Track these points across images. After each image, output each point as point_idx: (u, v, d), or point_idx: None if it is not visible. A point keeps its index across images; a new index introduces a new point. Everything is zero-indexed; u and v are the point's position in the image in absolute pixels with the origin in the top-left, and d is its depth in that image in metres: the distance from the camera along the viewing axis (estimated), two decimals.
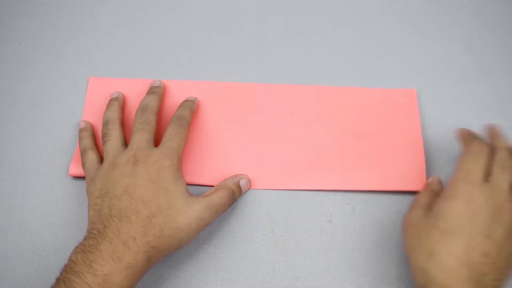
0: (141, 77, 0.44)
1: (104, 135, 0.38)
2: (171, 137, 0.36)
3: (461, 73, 0.45)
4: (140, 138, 0.36)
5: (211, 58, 0.45)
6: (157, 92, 0.41)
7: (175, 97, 0.43)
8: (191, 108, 0.41)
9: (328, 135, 0.42)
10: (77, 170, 0.40)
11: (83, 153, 0.39)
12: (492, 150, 0.35)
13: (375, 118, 0.42)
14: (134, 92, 0.43)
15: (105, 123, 0.39)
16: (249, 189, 0.40)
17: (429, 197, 0.36)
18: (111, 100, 0.42)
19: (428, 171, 0.41)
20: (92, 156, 0.38)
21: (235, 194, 0.38)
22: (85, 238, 0.32)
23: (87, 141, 0.40)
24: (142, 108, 0.39)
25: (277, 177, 0.40)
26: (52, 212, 0.39)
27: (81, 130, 0.41)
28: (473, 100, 0.44)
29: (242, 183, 0.39)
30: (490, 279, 0.31)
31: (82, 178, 0.40)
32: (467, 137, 0.36)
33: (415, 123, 0.42)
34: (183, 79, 0.44)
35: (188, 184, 0.39)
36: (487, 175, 0.33)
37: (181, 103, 0.41)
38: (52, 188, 0.40)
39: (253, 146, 0.41)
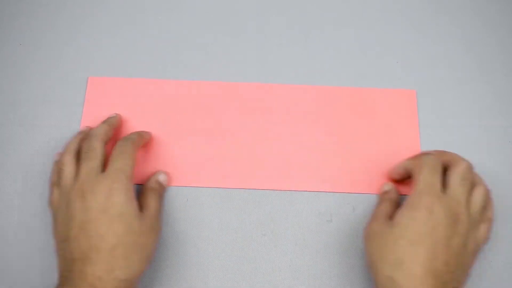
0: (141, 77, 0.44)
1: (58, 174, 0.36)
2: (115, 159, 0.35)
3: (461, 73, 0.45)
4: (85, 167, 0.35)
5: (211, 58, 0.45)
6: (109, 121, 0.40)
7: (175, 97, 0.43)
8: (139, 133, 0.39)
9: (327, 135, 0.42)
10: None
11: (50, 188, 0.37)
12: (446, 163, 0.36)
13: (373, 118, 0.43)
14: (134, 92, 0.43)
15: (60, 158, 0.37)
16: (167, 185, 0.40)
17: (389, 207, 0.37)
18: (77, 133, 0.40)
19: None
20: (56, 193, 0.36)
21: (161, 192, 0.39)
22: (57, 285, 0.32)
23: (54, 176, 0.37)
24: (87, 138, 0.37)
25: (277, 177, 0.40)
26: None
27: (53, 163, 0.39)
28: (473, 100, 0.44)
29: (161, 178, 0.39)
30: None
31: None
32: (417, 155, 0.38)
33: (414, 124, 0.42)
34: (183, 79, 0.44)
35: (188, 187, 0.39)
36: (444, 187, 0.34)
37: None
38: None
39: (253, 146, 0.41)
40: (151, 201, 0.36)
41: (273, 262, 0.38)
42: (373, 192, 0.40)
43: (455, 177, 0.35)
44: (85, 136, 0.38)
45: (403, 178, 0.39)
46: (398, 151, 0.41)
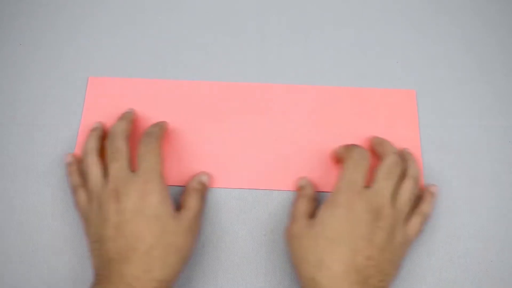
0: (141, 77, 0.44)
1: (85, 173, 0.37)
2: (144, 158, 0.35)
3: (461, 73, 0.45)
4: (116, 168, 0.35)
5: (211, 58, 0.45)
6: (126, 117, 0.40)
7: (175, 97, 0.43)
8: (160, 126, 0.39)
9: (326, 135, 0.42)
10: None
11: (73, 192, 0.37)
12: (380, 156, 0.37)
13: (373, 118, 0.43)
14: (134, 92, 0.43)
15: (84, 158, 0.37)
16: (210, 185, 0.40)
17: (307, 204, 0.36)
18: (89, 133, 0.40)
19: (425, 172, 0.41)
20: (82, 195, 0.36)
21: (203, 193, 0.38)
22: (94, 284, 0.32)
23: (76, 178, 0.38)
24: (110, 137, 0.37)
25: (277, 177, 0.40)
26: (52, 213, 0.39)
27: (67, 165, 0.39)
28: (473, 100, 0.44)
29: (204, 179, 0.39)
30: (376, 281, 0.32)
31: None
32: (348, 146, 0.38)
33: (413, 124, 0.42)
34: (183, 79, 0.44)
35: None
36: (370, 181, 0.34)
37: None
38: (52, 188, 0.40)
39: (252, 146, 0.41)
40: (191, 201, 0.36)
41: (273, 262, 0.38)
42: None
43: (380, 171, 0.35)
44: (100, 133, 0.39)
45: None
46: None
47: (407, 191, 0.35)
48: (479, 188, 0.40)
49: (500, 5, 0.48)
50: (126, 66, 0.45)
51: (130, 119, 0.40)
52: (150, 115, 0.42)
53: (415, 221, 0.35)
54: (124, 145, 0.36)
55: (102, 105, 0.42)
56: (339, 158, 0.38)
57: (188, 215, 0.35)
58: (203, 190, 0.38)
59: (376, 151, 0.39)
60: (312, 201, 0.37)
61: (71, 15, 0.47)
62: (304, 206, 0.36)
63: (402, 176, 0.36)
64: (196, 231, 0.36)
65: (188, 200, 0.36)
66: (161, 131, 0.38)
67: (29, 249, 0.38)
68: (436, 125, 0.43)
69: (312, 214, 0.35)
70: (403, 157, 0.38)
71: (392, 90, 0.44)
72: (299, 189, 0.39)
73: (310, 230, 0.33)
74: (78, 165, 0.39)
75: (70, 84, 0.44)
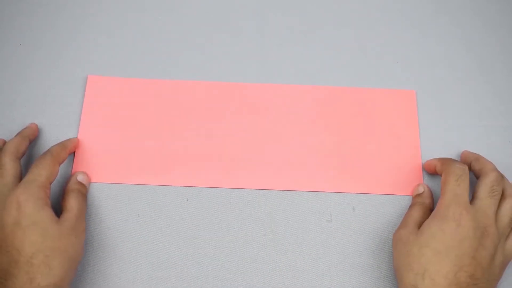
0: (141, 77, 0.44)
1: None
2: (28, 172, 0.35)
3: (461, 73, 0.45)
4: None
5: (211, 58, 0.45)
6: (22, 133, 0.39)
7: (174, 97, 0.43)
8: (60, 144, 0.39)
9: (326, 135, 0.42)
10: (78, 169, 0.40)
11: None
12: (478, 172, 0.37)
13: (373, 118, 0.43)
14: (133, 91, 0.43)
15: None
16: (89, 182, 0.40)
17: (420, 213, 0.36)
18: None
19: (425, 173, 0.41)
20: None
21: (83, 192, 0.38)
22: None
23: None
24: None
25: (277, 177, 0.40)
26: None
27: None
28: (473, 100, 0.44)
29: (80, 178, 0.39)
30: None
31: None
32: (446, 160, 0.37)
33: (413, 124, 0.42)
34: (183, 79, 0.44)
35: (188, 187, 0.39)
36: (472, 197, 0.34)
37: None
38: (52, 188, 0.40)
39: (252, 146, 0.41)
40: (71, 202, 0.36)
41: (273, 262, 0.38)
42: (372, 192, 0.40)
43: (484, 189, 0.35)
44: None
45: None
46: (398, 151, 0.41)
47: (509, 210, 0.35)
48: None
49: (500, 5, 0.48)
50: (126, 66, 0.45)
51: (26, 135, 0.39)
52: (148, 114, 0.42)
53: None
54: (8, 162, 0.36)
55: (102, 104, 0.42)
56: (436, 170, 0.38)
57: (69, 216, 0.35)
58: (82, 190, 0.38)
59: (472, 167, 0.38)
60: (426, 211, 0.37)
61: (71, 15, 0.47)
62: (417, 214, 0.36)
63: (504, 194, 0.36)
64: (80, 231, 0.35)
65: (68, 201, 0.36)
66: (59, 148, 0.38)
67: None
68: (436, 125, 0.43)
69: (421, 226, 0.35)
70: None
71: (392, 90, 0.44)
72: (417, 195, 0.39)
73: (418, 238, 0.34)
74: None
75: (70, 84, 0.44)
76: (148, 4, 0.48)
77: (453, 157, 0.41)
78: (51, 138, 0.42)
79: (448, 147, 0.42)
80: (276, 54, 0.45)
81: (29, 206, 0.33)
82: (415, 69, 0.45)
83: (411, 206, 0.38)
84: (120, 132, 0.42)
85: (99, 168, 0.40)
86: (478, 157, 0.39)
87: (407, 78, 0.45)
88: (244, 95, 0.43)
